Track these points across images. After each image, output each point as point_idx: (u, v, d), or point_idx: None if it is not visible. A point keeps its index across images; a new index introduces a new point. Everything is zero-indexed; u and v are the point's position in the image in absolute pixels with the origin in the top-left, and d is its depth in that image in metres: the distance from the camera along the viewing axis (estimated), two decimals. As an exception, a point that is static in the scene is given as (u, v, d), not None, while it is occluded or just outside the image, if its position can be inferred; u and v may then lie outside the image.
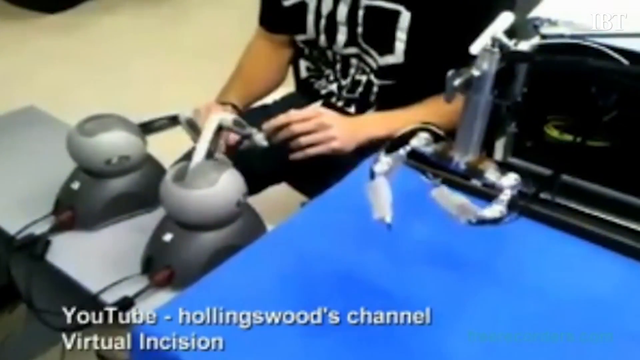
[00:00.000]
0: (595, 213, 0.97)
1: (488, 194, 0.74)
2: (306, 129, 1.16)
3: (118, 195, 1.08)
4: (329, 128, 1.17)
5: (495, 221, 0.70)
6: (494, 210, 0.70)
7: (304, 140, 1.16)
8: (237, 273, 0.87)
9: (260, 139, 1.10)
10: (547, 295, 0.81)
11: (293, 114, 1.17)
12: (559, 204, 0.97)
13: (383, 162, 0.78)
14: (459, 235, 0.75)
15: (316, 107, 1.31)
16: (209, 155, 0.99)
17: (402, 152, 0.78)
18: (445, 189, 0.75)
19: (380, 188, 0.76)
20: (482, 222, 0.71)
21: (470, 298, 0.81)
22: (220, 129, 1.01)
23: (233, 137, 1.17)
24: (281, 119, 1.16)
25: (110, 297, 0.93)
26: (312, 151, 1.16)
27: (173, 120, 1.13)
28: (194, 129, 1.11)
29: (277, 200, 1.35)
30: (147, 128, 1.12)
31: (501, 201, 0.71)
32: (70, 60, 2.93)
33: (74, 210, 1.06)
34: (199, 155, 0.97)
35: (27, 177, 1.20)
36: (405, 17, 1.22)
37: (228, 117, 1.03)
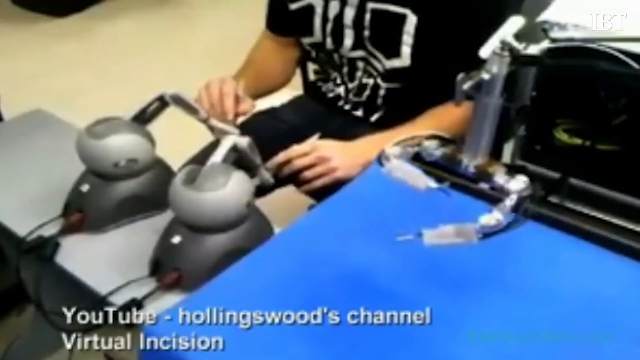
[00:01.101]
0: (604, 217, 0.97)
1: (496, 198, 0.74)
2: (307, 164, 1.18)
3: (127, 197, 1.08)
4: (329, 160, 1.18)
5: (497, 227, 0.71)
6: (492, 217, 0.70)
7: (308, 174, 1.18)
8: (245, 276, 0.87)
9: (267, 176, 1.11)
10: (553, 299, 0.81)
11: (293, 149, 1.19)
12: (568, 207, 0.97)
13: (390, 151, 0.78)
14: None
15: (314, 141, 1.33)
16: None
17: (409, 149, 0.78)
18: (430, 232, 0.74)
19: (402, 165, 0.77)
20: (491, 233, 0.71)
21: (475, 300, 0.81)
22: (235, 149, 1.02)
23: (243, 108, 1.24)
24: (282, 156, 1.18)
25: (118, 299, 0.93)
26: (318, 183, 1.19)
27: (161, 102, 1.12)
28: (180, 103, 1.11)
29: (285, 202, 1.35)
30: (142, 118, 1.10)
31: (503, 207, 0.71)
32: (79, 63, 2.94)
33: (83, 213, 1.07)
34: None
35: (36, 180, 1.20)
36: (411, 21, 1.22)
37: (244, 140, 1.03)
